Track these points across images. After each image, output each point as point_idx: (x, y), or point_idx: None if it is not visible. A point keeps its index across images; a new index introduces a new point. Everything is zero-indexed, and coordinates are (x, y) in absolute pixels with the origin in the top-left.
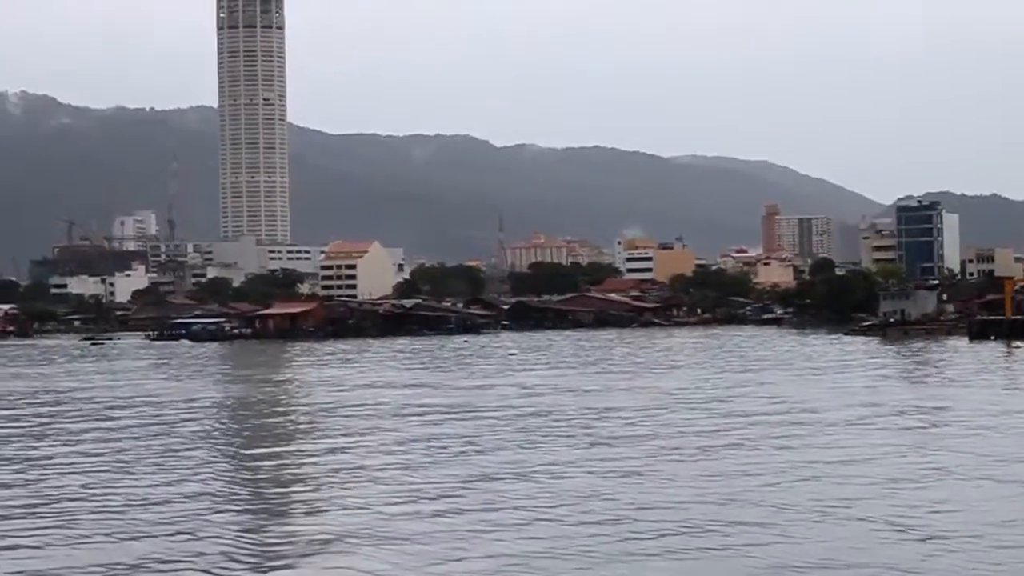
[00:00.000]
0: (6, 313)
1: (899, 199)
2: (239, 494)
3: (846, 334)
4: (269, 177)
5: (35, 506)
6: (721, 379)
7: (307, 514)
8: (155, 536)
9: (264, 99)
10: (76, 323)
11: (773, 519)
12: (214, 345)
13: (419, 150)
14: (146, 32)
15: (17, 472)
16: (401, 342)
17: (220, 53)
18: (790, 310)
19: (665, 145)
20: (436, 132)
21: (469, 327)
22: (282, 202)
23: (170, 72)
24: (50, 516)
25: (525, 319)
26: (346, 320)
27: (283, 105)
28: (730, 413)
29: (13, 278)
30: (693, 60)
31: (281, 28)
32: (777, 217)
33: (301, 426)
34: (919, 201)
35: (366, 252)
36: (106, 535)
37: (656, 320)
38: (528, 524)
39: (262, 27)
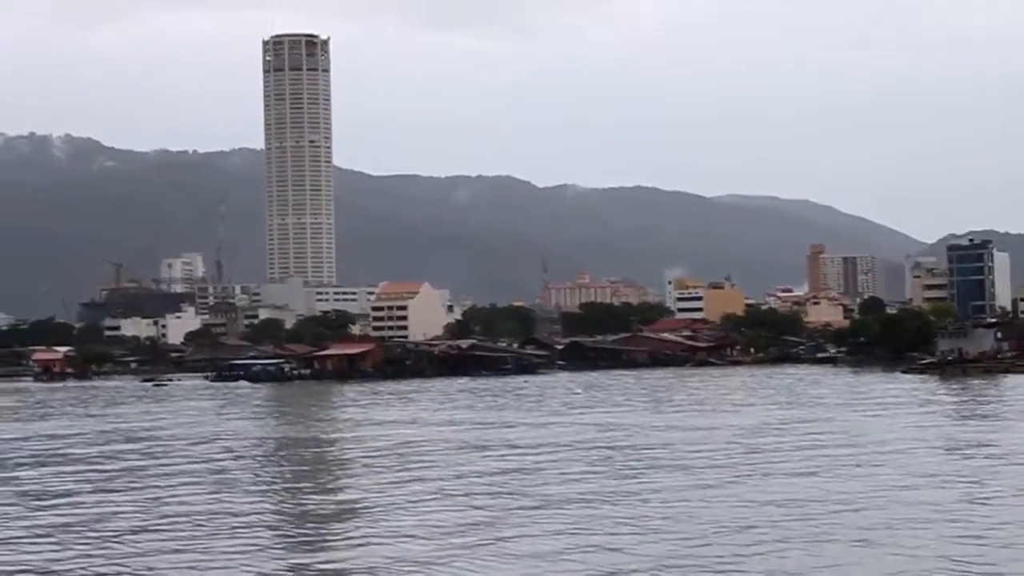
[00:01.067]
0: (65, 355)
1: (943, 237)
2: (326, 527)
3: (904, 372)
4: (315, 219)
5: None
6: (793, 415)
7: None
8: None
9: (310, 141)
10: (132, 365)
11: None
12: (274, 386)
13: (461, 191)
14: (188, 76)
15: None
16: (460, 382)
17: (267, 96)
18: (843, 349)
19: (706, 185)
20: (478, 173)
21: (526, 367)
22: (328, 244)
23: (212, 115)
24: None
25: (580, 359)
26: (403, 361)
27: (329, 147)
28: (815, 444)
29: (62, 319)
30: (733, 100)
31: (327, 71)
32: (822, 256)
33: (388, 462)
34: (970, 240)
35: (417, 293)
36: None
37: (711, 359)
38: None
39: (308, 70)
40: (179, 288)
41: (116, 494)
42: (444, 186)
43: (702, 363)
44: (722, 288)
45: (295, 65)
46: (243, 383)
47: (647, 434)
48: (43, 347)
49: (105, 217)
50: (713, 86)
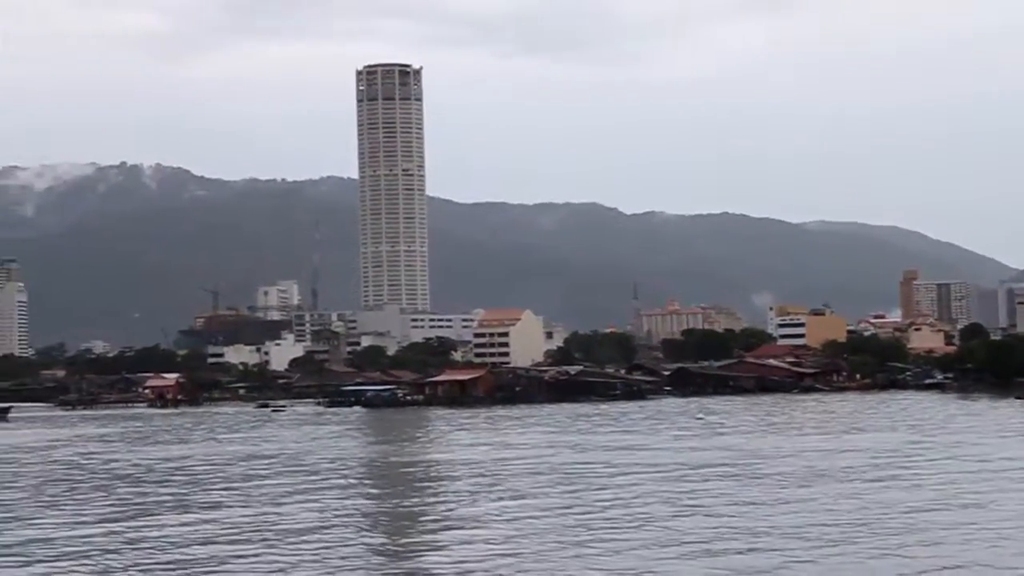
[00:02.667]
0: (176, 382)
1: None
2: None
3: (1017, 398)
4: (409, 247)
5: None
6: (923, 440)
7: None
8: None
9: (404, 170)
10: (241, 391)
11: None
12: (388, 411)
13: (548, 218)
14: (276, 106)
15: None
16: (572, 408)
17: (360, 125)
18: (950, 375)
19: (794, 211)
20: (565, 200)
21: (634, 393)
22: (422, 271)
23: (300, 145)
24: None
25: (687, 385)
26: (514, 387)
27: (422, 176)
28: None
29: (164, 346)
30: (820, 128)
31: (419, 100)
32: (915, 282)
33: (549, 481)
34: None
35: (518, 320)
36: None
37: (817, 385)
38: None
39: (401, 99)
40: (275, 315)
41: (285, 505)
42: (531, 213)
43: (809, 389)
44: (823, 315)
45: (388, 95)
46: (357, 408)
47: (788, 456)
48: (151, 374)
49: (195, 245)
50: (799, 114)
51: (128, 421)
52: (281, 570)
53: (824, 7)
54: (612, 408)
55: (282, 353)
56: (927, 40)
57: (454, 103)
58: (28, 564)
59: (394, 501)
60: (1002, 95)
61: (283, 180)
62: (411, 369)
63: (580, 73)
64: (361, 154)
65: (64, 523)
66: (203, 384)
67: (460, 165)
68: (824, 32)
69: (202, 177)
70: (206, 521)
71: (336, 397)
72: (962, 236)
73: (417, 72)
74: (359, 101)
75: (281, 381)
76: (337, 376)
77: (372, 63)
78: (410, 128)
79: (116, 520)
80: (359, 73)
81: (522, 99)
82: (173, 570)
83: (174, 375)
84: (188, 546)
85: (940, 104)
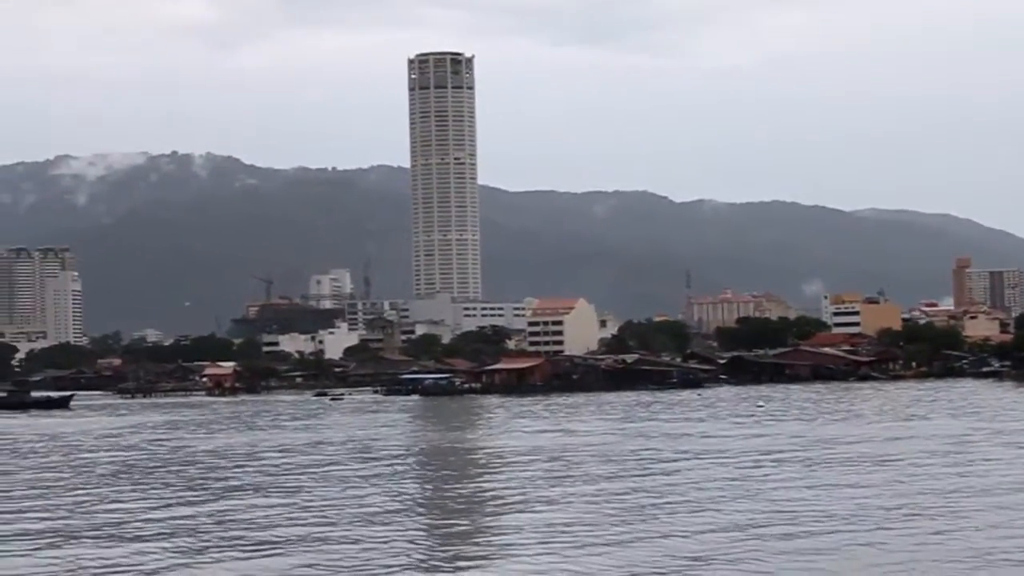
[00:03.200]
0: (234, 370)
1: None
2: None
3: None
4: (460, 236)
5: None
6: (987, 427)
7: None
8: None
9: (455, 159)
10: (298, 379)
11: None
12: (446, 399)
13: (598, 207)
14: (324, 95)
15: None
16: (629, 396)
17: (412, 113)
18: (1007, 363)
19: (846, 199)
20: (615, 188)
21: (691, 381)
22: (473, 260)
23: (349, 133)
24: None
25: (743, 373)
26: (571, 375)
27: (474, 165)
28: None
29: (217, 334)
30: (872, 114)
31: (471, 88)
32: (967, 270)
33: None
34: None
35: (572, 308)
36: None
37: (873, 374)
38: None
39: (453, 88)
40: (328, 304)
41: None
42: (581, 202)
43: (865, 377)
44: (878, 303)
45: (440, 83)
46: (414, 397)
47: (854, 443)
48: (208, 362)
49: (246, 234)
50: (848, 102)
51: (189, 409)
52: (368, 548)
53: None
54: (670, 396)
55: (336, 341)
56: (977, 24)
57: (503, 91)
58: (120, 543)
59: (466, 485)
60: None
61: (333, 169)
62: (465, 357)
63: (629, 62)
64: (413, 143)
65: (149, 506)
66: (260, 372)
67: (510, 154)
68: (872, 18)
69: (252, 166)
70: (287, 504)
71: (393, 385)
72: (1016, 224)
73: (469, 60)
74: (411, 90)
75: (337, 370)
76: (392, 364)
77: (424, 51)
78: (462, 117)
79: (199, 502)
80: (411, 62)
81: (572, 88)
82: (263, 548)
83: (231, 364)
84: (274, 527)
85: (992, 90)
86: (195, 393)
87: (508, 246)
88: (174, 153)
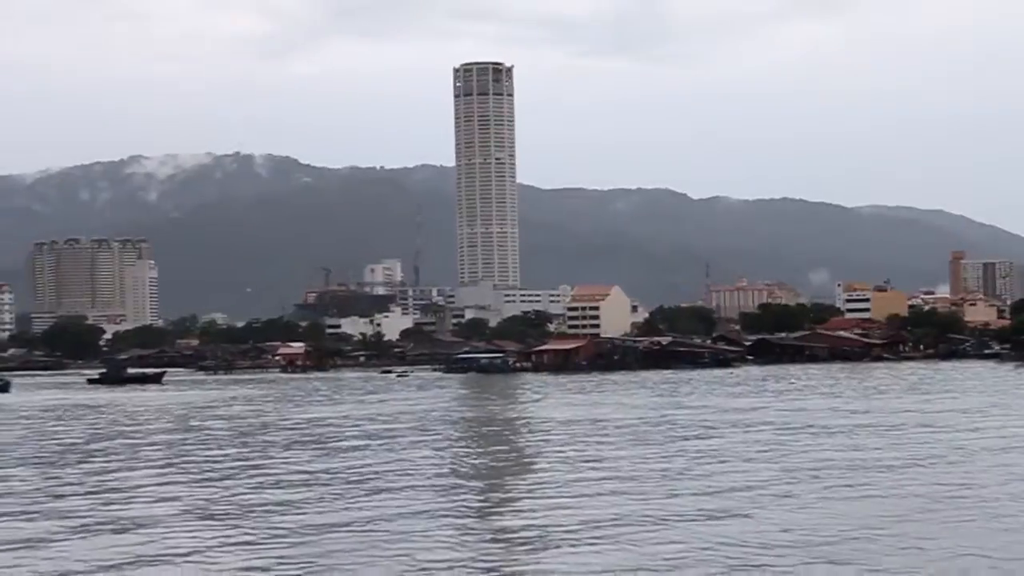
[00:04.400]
0: (305, 350)
1: None
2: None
3: None
4: (501, 229)
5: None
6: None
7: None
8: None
9: (496, 159)
10: (361, 358)
11: None
12: (501, 376)
13: (621, 203)
14: (375, 100)
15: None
16: (665, 374)
17: (457, 118)
18: (1007, 346)
19: (848, 196)
20: (637, 186)
21: (721, 361)
22: (512, 251)
23: (397, 135)
24: None
25: (767, 354)
26: (612, 355)
27: (513, 165)
28: None
29: (284, 317)
30: (873, 116)
31: (511, 95)
32: (962, 261)
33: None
34: None
35: (607, 295)
36: None
37: (884, 355)
38: None
39: (494, 95)
40: (381, 291)
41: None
42: (606, 198)
43: (877, 358)
44: (886, 291)
45: (482, 90)
46: (471, 374)
47: (889, 413)
48: (279, 343)
49: (302, 227)
50: (851, 103)
51: (269, 384)
52: (454, 492)
53: (874, 9)
54: (703, 374)
55: (392, 324)
56: (966, 40)
57: (537, 98)
58: (261, 490)
59: (532, 447)
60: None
61: (382, 168)
62: (511, 339)
63: (649, 70)
64: (458, 144)
65: (277, 462)
66: (327, 352)
67: (543, 155)
68: (873, 30)
69: (308, 165)
70: (397, 460)
71: (452, 364)
72: (1004, 219)
73: (508, 70)
74: (456, 96)
75: (396, 350)
76: (445, 345)
77: (468, 61)
78: (502, 121)
79: (318, 459)
80: (456, 71)
81: (598, 95)
82: (382, 492)
83: (299, 344)
84: (382, 476)
85: (986, 98)
86: (269, 370)
87: (542, 238)
88: (236, 153)
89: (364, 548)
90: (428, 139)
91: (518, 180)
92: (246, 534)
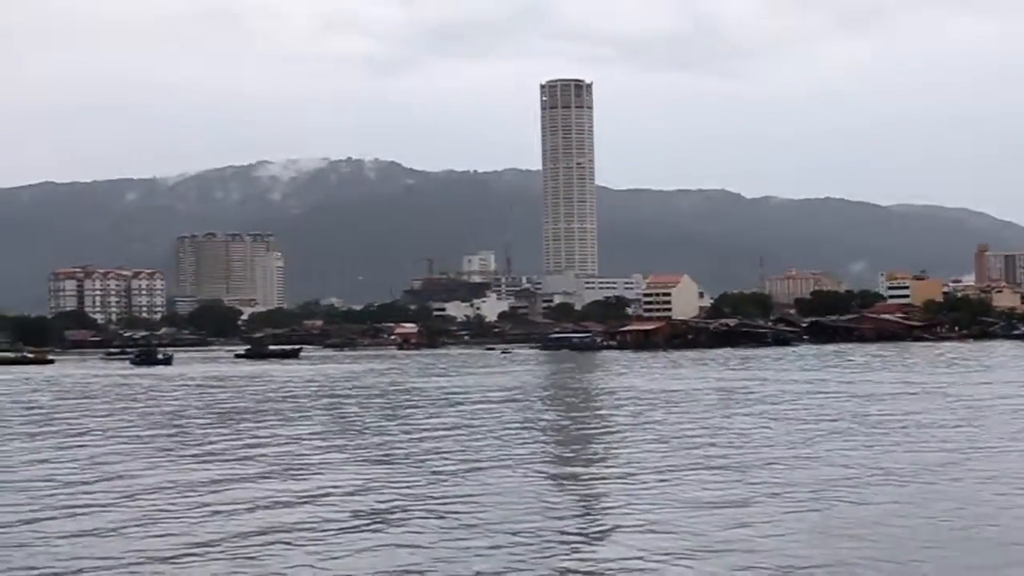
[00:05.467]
0: (417, 330)
1: None
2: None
3: None
4: (581, 224)
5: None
6: None
7: None
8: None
9: (578, 163)
10: (465, 337)
11: None
12: (590, 354)
13: (683, 202)
14: (468, 111)
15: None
16: (734, 351)
17: (543, 128)
18: None
19: (883, 195)
20: (697, 187)
21: (782, 340)
22: (592, 244)
23: (487, 142)
24: None
25: (820, 334)
26: (686, 335)
27: (592, 169)
28: None
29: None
30: (906, 124)
31: (590, 108)
32: (987, 253)
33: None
34: None
35: (678, 282)
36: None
37: (925, 336)
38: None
39: (576, 108)
40: (477, 279)
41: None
42: (670, 198)
43: (918, 338)
44: (923, 279)
45: (565, 104)
46: (565, 351)
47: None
48: (393, 323)
49: (406, 223)
50: (887, 113)
51: (390, 359)
52: (548, 442)
53: (904, 28)
54: (767, 352)
55: (489, 308)
56: (986, 55)
57: (611, 108)
58: (419, 441)
59: (627, 413)
60: None
61: (474, 171)
62: (595, 321)
63: (706, 85)
64: (544, 150)
65: (427, 420)
66: (436, 331)
67: (615, 158)
68: (903, 47)
69: (411, 169)
70: (523, 418)
71: (547, 342)
72: (1022, 215)
73: (588, 86)
74: (542, 109)
75: (495, 330)
76: (538, 326)
77: (553, 78)
78: (582, 131)
79: (455, 416)
80: (542, 86)
81: (661, 106)
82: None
83: (411, 324)
84: (517, 430)
85: (1007, 109)
86: (387, 348)
87: (615, 232)
88: (349, 159)
89: (509, 481)
90: (514, 146)
91: (596, 182)
92: (400, 473)
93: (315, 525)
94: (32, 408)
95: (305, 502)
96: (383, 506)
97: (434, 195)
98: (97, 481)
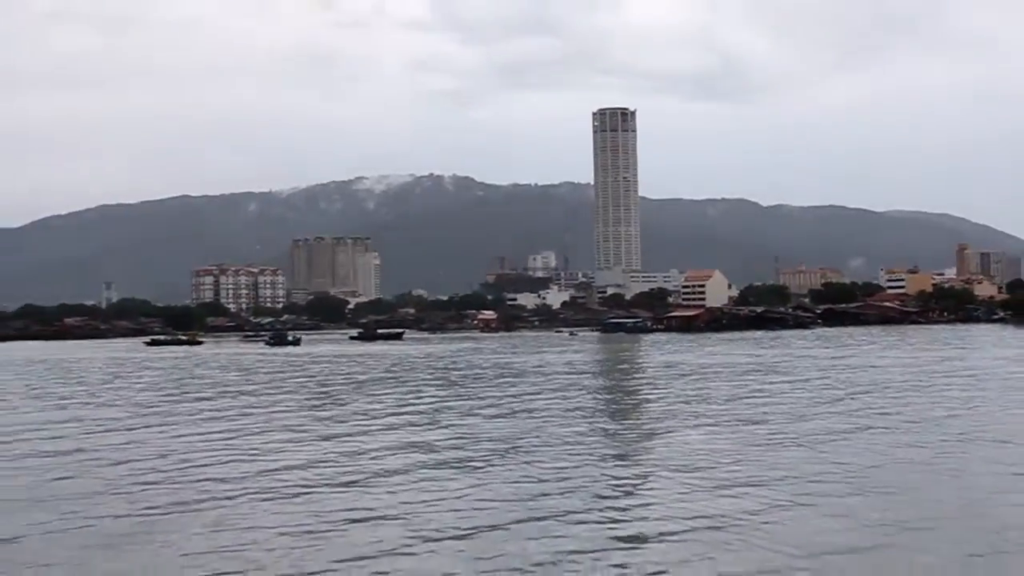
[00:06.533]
0: (497, 316)
1: None
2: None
3: None
4: (627, 229)
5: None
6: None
7: None
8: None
9: (624, 178)
10: (535, 323)
11: None
12: (642, 336)
13: (711, 209)
14: (531, 131)
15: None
16: (762, 333)
17: (595, 148)
18: (1009, 312)
19: (877, 202)
20: (722, 196)
21: (801, 324)
22: (636, 245)
23: (546, 159)
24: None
25: (832, 319)
26: (722, 320)
27: (636, 182)
28: None
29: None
30: (896, 141)
31: (634, 131)
32: (967, 251)
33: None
34: None
35: (711, 277)
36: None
37: (919, 320)
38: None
39: (622, 131)
40: (540, 274)
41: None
42: (699, 205)
43: (914, 322)
44: (916, 272)
45: (613, 127)
46: (622, 334)
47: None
48: (474, 311)
49: (479, 229)
50: (878, 135)
51: (477, 340)
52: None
53: (893, 67)
54: (789, 334)
55: (553, 298)
56: (962, 90)
57: (651, 130)
58: (504, 417)
59: (681, 381)
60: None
61: (535, 184)
62: (642, 308)
63: (731, 110)
64: (595, 167)
65: (528, 388)
66: (512, 317)
67: (654, 172)
68: (892, 83)
69: (482, 183)
70: (603, 385)
71: (606, 326)
72: (997, 220)
73: (632, 113)
74: (594, 132)
75: (560, 316)
76: (595, 313)
77: (603, 107)
78: (628, 151)
79: (553, 384)
80: (594, 113)
81: (694, 129)
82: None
83: (490, 311)
84: (603, 399)
85: (985, 131)
86: (470, 331)
87: (653, 235)
88: (431, 174)
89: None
90: (570, 163)
91: (638, 193)
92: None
93: (468, 456)
94: (205, 379)
95: (454, 446)
96: (522, 441)
97: (502, 204)
98: (309, 425)
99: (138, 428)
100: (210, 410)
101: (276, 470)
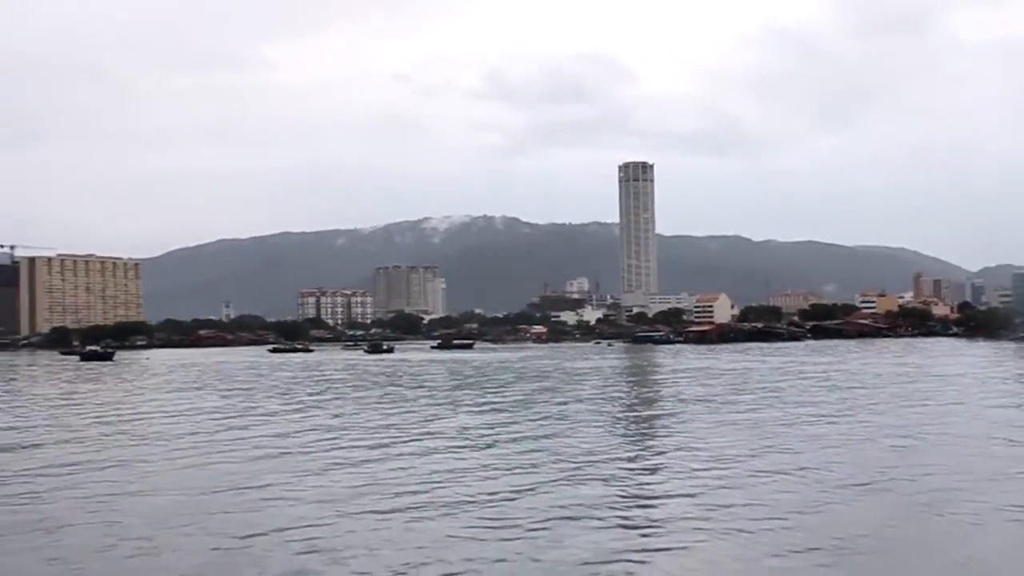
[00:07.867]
0: (547, 329)
1: (986, 267)
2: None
3: (1011, 340)
4: (646, 261)
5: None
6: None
7: None
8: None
9: (643, 218)
10: (577, 336)
11: None
12: (665, 347)
13: (712, 244)
14: (567, 180)
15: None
16: (761, 345)
17: (620, 194)
18: (961, 328)
19: (848, 237)
20: (720, 233)
21: (794, 337)
22: (654, 273)
23: (578, 202)
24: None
25: (819, 333)
26: (730, 334)
27: (653, 221)
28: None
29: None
30: (863, 186)
31: (652, 181)
32: (922, 278)
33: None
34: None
35: (718, 299)
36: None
37: (889, 333)
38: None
39: (643, 180)
40: (576, 296)
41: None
42: (702, 241)
43: (885, 336)
44: (885, 296)
45: (635, 177)
46: (649, 345)
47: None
48: (525, 326)
49: (524, 260)
50: (850, 184)
51: (533, 350)
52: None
53: (869, 127)
54: (785, 345)
55: (589, 315)
56: (920, 143)
57: (665, 178)
58: (564, 416)
59: (697, 382)
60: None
61: (569, 224)
62: (663, 324)
63: (727, 162)
64: (620, 210)
65: (589, 390)
66: (558, 331)
67: (665, 213)
68: (863, 141)
69: (527, 222)
70: (641, 383)
71: (635, 338)
72: (946, 253)
73: (651, 166)
74: (619, 181)
75: (596, 331)
76: (625, 327)
77: (626, 160)
78: (647, 196)
79: (606, 382)
80: (620, 166)
81: (697, 178)
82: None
83: (539, 326)
84: (641, 394)
85: (932, 158)
86: (524, 343)
87: (667, 265)
88: (484, 215)
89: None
90: (598, 206)
91: (655, 231)
92: (559, 412)
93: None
94: (334, 380)
95: (561, 415)
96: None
97: (543, 239)
98: (438, 412)
99: (349, 413)
100: (378, 400)
101: (497, 443)
